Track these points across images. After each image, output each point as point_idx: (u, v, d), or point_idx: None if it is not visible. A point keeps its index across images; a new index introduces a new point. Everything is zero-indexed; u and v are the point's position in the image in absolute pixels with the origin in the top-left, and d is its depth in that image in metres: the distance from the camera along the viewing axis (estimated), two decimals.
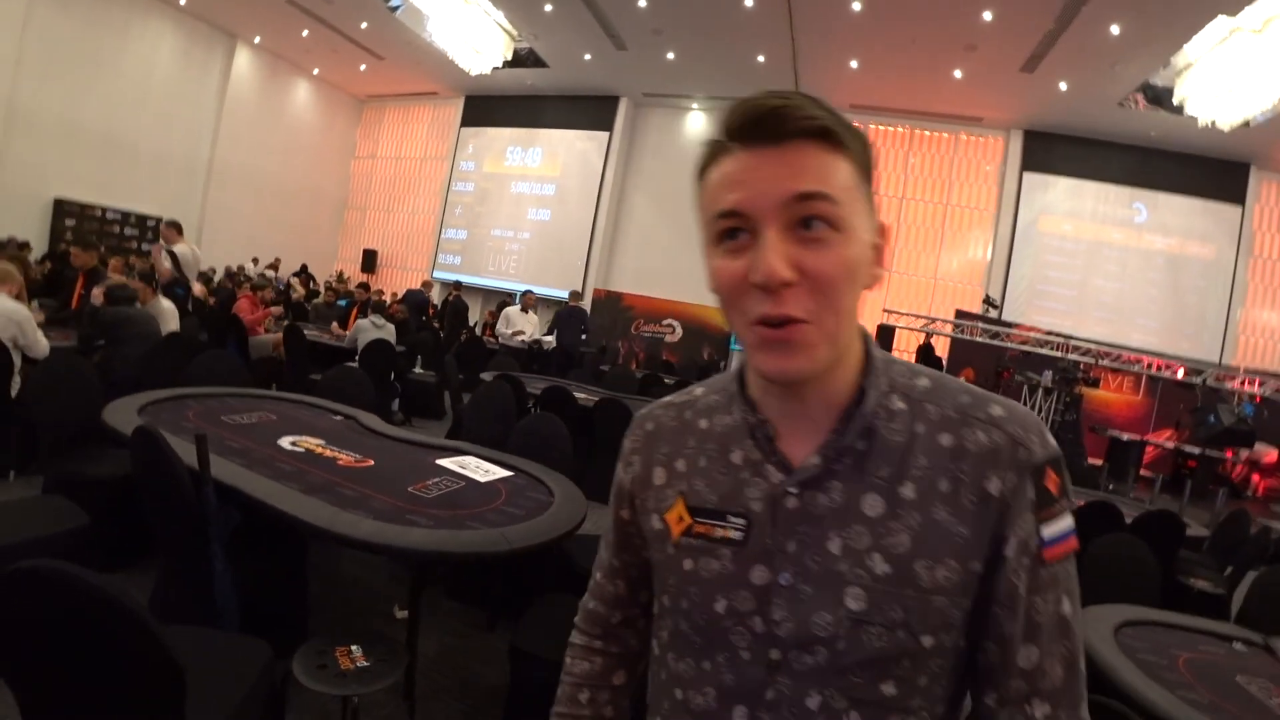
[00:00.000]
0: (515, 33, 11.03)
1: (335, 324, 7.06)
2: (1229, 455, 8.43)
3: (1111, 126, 10.34)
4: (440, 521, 1.88)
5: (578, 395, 4.69)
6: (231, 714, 1.32)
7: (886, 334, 9.50)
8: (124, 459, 2.06)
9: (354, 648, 1.46)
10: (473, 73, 11.33)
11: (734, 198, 0.53)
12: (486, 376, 4.98)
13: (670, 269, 12.44)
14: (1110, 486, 6.79)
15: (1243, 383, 8.44)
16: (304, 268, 13.50)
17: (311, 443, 2.49)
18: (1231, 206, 10.60)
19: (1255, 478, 8.34)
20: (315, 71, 14.33)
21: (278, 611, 2.03)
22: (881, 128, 11.68)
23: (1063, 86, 9.43)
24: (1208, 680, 1.67)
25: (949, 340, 9.97)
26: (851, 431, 0.57)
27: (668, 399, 0.72)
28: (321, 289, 12.14)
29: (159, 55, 11.74)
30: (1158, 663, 1.71)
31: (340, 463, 2.32)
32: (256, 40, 12.92)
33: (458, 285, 11.26)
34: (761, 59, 10.17)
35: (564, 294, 13.11)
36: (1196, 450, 8.27)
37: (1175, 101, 8.70)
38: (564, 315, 8.16)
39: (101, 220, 11.07)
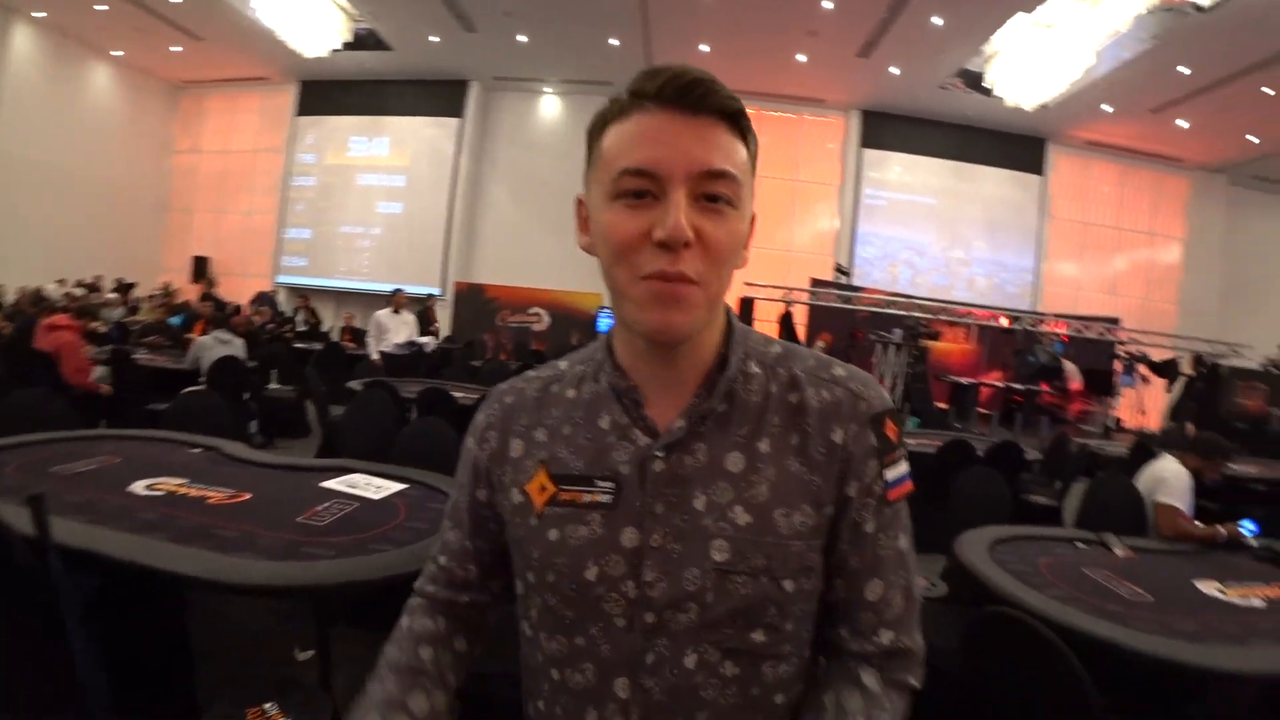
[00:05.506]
0: (354, 11, 10.27)
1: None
2: (1045, 387, 9.76)
3: (936, 107, 11.51)
4: (342, 549, 1.73)
5: (456, 394, 4.50)
6: None
7: (748, 306, 9.91)
8: None
9: (267, 705, 1.30)
10: (307, 55, 10.44)
11: (646, 154, 0.54)
12: (354, 385, 4.66)
13: (532, 257, 12.23)
14: (958, 425, 7.62)
15: (1051, 326, 9.80)
16: (120, 283, 11.66)
17: (172, 483, 2.20)
18: (1034, 176, 12.33)
19: (1072, 405, 9.78)
20: (117, 53, 12.40)
21: (158, 681, 1.80)
22: None
23: (894, 70, 10.29)
24: (1063, 577, 1.96)
25: (807, 308, 10.64)
26: (715, 395, 0.60)
27: (531, 373, 0.72)
28: (141, 305, 10.60)
29: None
30: (1025, 570, 1.99)
31: (211, 501, 2.07)
32: (39, 16, 10.87)
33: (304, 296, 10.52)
34: (614, 42, 10.18)
35: (426, 290, 12.54)
36: (1021, 386, 9.50)
37: (986, 85, 9.83)
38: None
39: None
